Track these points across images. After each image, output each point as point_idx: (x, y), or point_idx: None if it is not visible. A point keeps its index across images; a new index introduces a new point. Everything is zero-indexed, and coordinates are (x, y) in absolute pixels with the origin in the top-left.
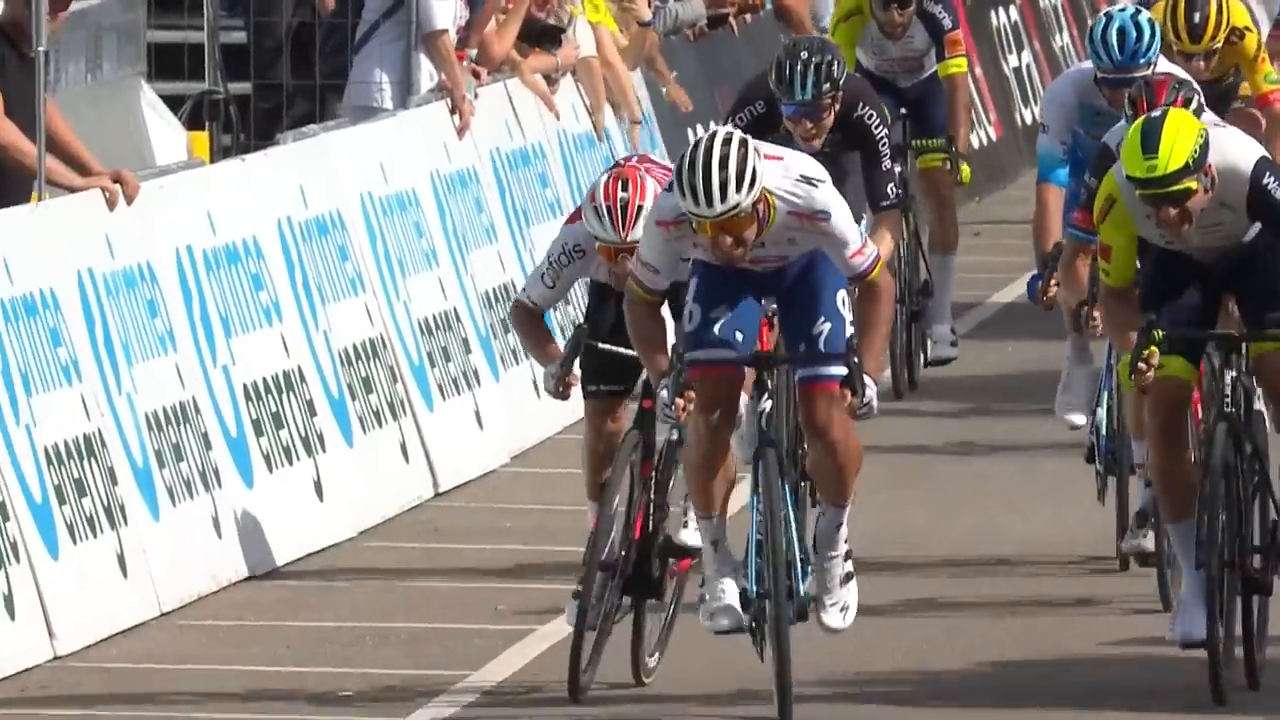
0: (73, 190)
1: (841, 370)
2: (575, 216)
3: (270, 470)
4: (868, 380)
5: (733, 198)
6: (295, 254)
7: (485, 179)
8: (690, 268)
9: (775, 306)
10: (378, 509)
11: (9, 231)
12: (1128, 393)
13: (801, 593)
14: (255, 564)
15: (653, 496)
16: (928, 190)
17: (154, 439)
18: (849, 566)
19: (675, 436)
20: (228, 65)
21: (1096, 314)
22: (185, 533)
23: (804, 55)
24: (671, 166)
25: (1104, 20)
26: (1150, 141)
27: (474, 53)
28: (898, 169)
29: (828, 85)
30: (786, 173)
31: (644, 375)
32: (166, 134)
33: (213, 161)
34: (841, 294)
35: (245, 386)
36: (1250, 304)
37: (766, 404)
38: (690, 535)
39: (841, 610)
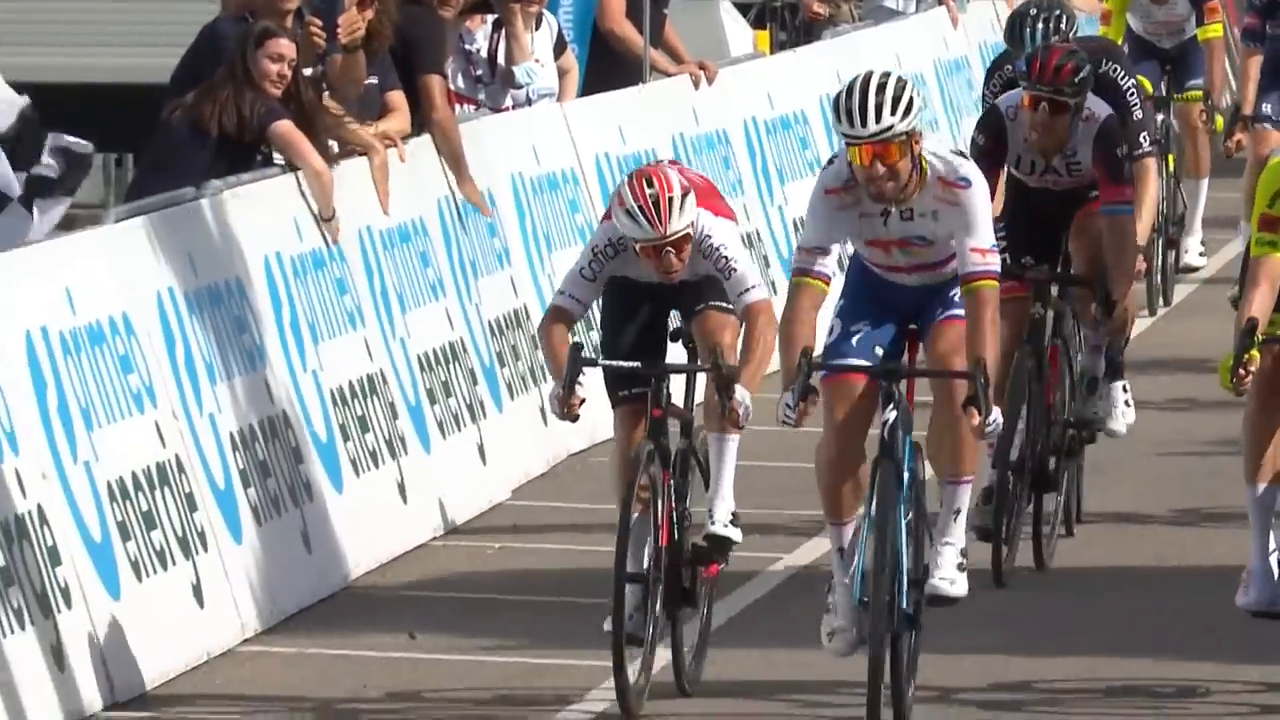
0: (669, 74)
1: None
2: (609, 215)
3: None
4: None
5: (886, 119)
6: None
7: (974, 65)
8: (844, 272)
9: (916, 326)
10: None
11: (621, 108)
12: (1227, 390)
13: (905, 606)
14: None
15: (674, 504)
16: (1184, 123)
17: None
18: (962, 560)
19: (684, 445)
20: None
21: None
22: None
23: (1033, 11)
24: (701, 174)
25: None
26: None
27: None
28: (1159, 117)
29: (1057, 38)
30: (943, 143)
31: (666, 381)
32: (738, 32)
33: (772, 53)
34: None
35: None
36: None
37: (891, 414)
38: (721, 527)
39: (950, 583)
